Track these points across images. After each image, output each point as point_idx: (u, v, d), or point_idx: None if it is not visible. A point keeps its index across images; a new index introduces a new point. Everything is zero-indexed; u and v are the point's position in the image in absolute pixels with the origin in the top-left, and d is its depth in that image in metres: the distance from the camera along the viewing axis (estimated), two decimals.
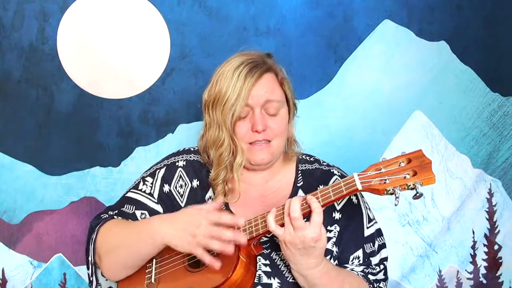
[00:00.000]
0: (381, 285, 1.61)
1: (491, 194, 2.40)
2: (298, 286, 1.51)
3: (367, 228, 1.62)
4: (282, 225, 1.41)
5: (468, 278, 2.40)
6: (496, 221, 2.40)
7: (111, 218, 1.62)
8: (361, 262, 1.60)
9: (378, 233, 1.65)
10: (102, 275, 1.63)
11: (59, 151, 2.26)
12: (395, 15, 2.34)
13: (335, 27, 2.32)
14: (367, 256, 1.60)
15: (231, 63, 1.55)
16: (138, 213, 1.62)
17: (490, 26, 2.37)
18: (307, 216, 1.39)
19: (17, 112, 2.23)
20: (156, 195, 1.63)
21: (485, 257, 2.40)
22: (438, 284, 2.38)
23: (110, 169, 2.28)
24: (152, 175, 1.66)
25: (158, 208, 1.62)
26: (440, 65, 2.37)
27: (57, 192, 2.26)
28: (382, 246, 1.64)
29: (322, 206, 1.39)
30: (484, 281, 2.40)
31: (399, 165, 1.33)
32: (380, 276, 1.62)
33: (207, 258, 1.40)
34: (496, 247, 2.40)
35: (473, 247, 2.40)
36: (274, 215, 1.41)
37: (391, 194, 1.32)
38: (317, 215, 1.37)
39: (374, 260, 1.61)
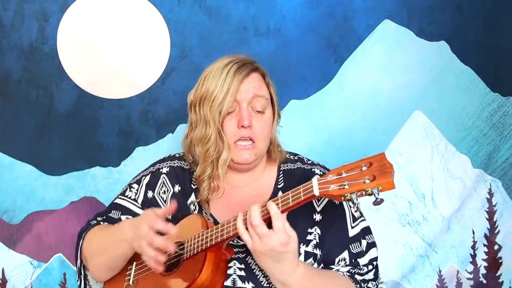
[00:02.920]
0: (369, 285, 1.58)
1: (491, 194, 2.40)
2: None
3: (352, 228, 1.60)
4: None
5: (468, 278, 2.40)
6: (496, 221, 2.40)
7: (98, 224, 1.71)
8: (347, 263, 1.57)
9: (365, 232, 1.62)
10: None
11: (59, 151, 2.26)
12: (395, 15, 2.34)
13: (335, 27, 2.32)
14: (354, 257, 1.58)
15: (218, 63, 1.59)
16: (123, 218, 1.70)
17: (490, 26, 2.37)
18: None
19: (17, 112, 2.23)
20: (140, 200, 1.70)
21: (485, 257, 2.40)
22: (438, 284, 2.38)
23: (110, 169, 2.28)
24: (138, 182, 1.73)
25: (141, 213, 1.66)
26: (440, 65, 2.37)
27: (57, 192, 2.26)
28: (371, 245, 1.61)
29: (283, 211, 1.36)
30: (484, 281, 2.40)
31: (361, 170, 1.28)
32: (370, 276, 1.59)
33: (151, 263, 1.45)
34: (496, 247, 2.40)
35: (473, 247, 2.40)
36: (242, 220, 1.39)
37: (349, 200, 1.28)
38: (276, 220, 1.34)
39: (362, 260, 1.59)
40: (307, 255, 1.54)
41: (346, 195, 1.26)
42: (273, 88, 1.65)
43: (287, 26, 2.30)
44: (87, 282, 1.77)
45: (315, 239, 1.56)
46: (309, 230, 1.56)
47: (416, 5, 2.34)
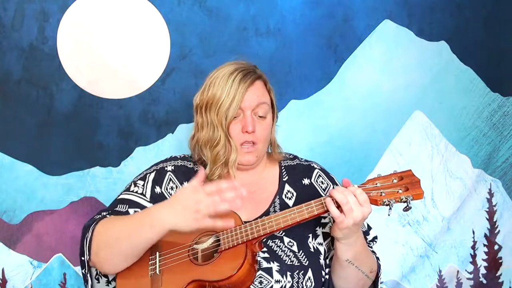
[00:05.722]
0: (377, 255, 1.74)
1: (491, 194, 2.41)
2: (294, 268, 1.61)
3: None
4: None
5: (468, 278, 2.40)
6: (496, 221, 2.41)
7: (104, 217, 1.67)
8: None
9: None
10: (96, 271, 1.69)
11: (59, 151, 2.25)
12: (395, 15, 2.34)
13: (335, 27, 2.32)
14: (364, 234, 1.72)
15: (224, 69, 1.68)
16: (131, 211, 1.68)
17: (490, 26, 2.37)
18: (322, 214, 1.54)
19: (17, 112, 2.23)
20: (148, 195, 1.71)
21: (485, 257, 2.41)
22: (438, 284, 2.38)
23: (110, 169, 2.28)
24: (143, 178, 1.75)
25: (150, 206, 1.68)
26: (440, 65, 2.38)
27: (57, 192, 2.26)
28: (369, 227, 1.77)
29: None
30: (484, 281, 2.40)
31: (392, 182, 1.52)
32: (375, 252, 1.76)
33: (219, 223, 1.48)
34: (496, 247, 2.40)
35: (473, 247, 2.40)
36: (333, 204, 1.50)
37: (387, 205, 1.50)
38: (363, 195, 1.49)
39: (369, 237, 1.76)
40: (325, 235, 1.68)
41: (385, 200, 1.50)
42: (273, 92, 1.75)
43: (287, 26, 2.30)
44: (91, 280, 1.70)
45: (330, 221, 1.69)
46: (323, 215, 1.67)
47: (416, 5, 2.35)
